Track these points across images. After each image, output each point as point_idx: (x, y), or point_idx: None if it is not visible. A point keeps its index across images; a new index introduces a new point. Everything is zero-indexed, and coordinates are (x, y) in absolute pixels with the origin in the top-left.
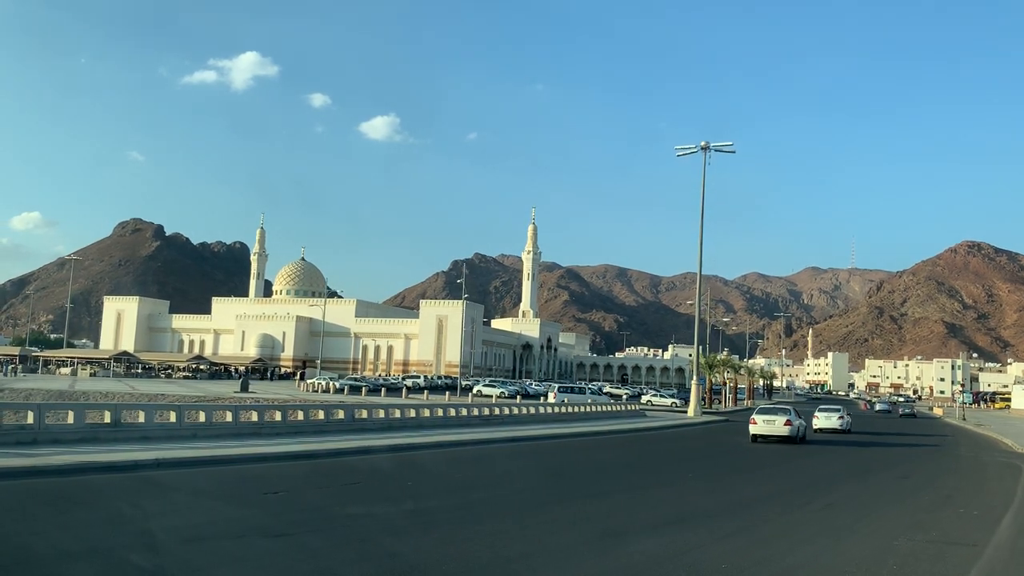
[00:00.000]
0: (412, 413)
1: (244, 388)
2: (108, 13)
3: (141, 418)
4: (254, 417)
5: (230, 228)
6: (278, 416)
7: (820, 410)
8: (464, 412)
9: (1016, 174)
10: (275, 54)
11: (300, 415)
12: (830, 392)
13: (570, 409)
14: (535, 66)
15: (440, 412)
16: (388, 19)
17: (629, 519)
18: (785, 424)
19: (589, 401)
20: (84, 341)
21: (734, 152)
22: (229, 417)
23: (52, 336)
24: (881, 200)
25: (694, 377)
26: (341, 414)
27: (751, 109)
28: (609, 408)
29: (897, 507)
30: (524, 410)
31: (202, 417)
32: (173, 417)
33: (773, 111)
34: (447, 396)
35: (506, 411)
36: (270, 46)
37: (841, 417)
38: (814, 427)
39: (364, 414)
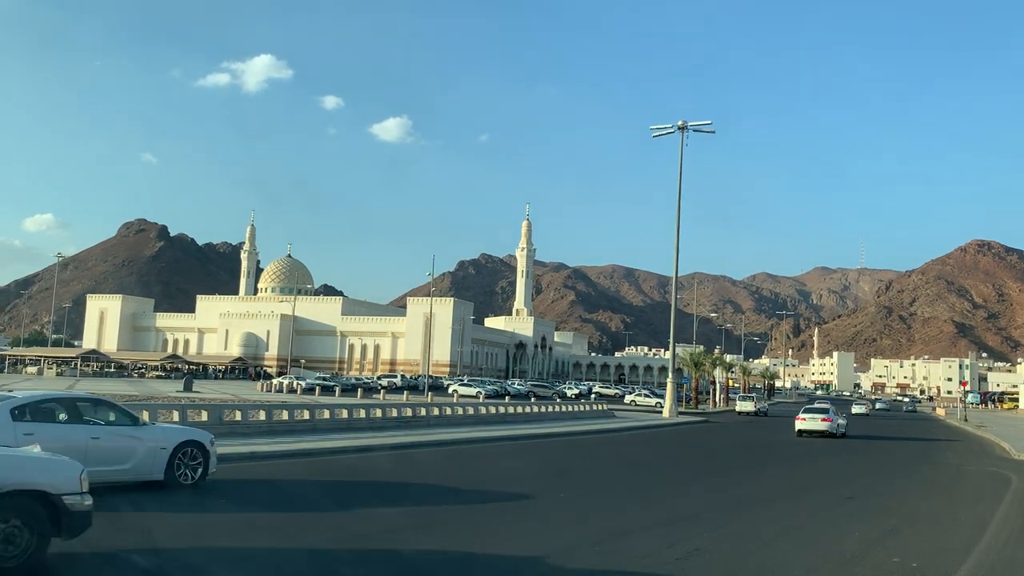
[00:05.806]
0: (306, 415)
1: (188, 388)
2: (122, 16)
3: None
4: None
5: (237, 229)
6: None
7: (855, 403)
8: (379, 413)
9: None
10: (289, 57)
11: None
12: (828, 393)
13: (523, 410)
14: (546, 68)
15: (344, 414)
16: (401, 22)
17: None
18: (824, 421)
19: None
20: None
21: (713, 132)
22: None
23: (53, 336)
24: (891, 199)
25: (670, 375)
26: (205, 415)
27: (760, 108)
28: (571, 409)
29: (800, 553)
30: (462, 411)
31: None
32: None
33: (780, 111)
34: (405, 396)
35: (435, 412)
36: (284, 49)
37: (870, 406)
38: (852, 412)
39: (237, 415)
